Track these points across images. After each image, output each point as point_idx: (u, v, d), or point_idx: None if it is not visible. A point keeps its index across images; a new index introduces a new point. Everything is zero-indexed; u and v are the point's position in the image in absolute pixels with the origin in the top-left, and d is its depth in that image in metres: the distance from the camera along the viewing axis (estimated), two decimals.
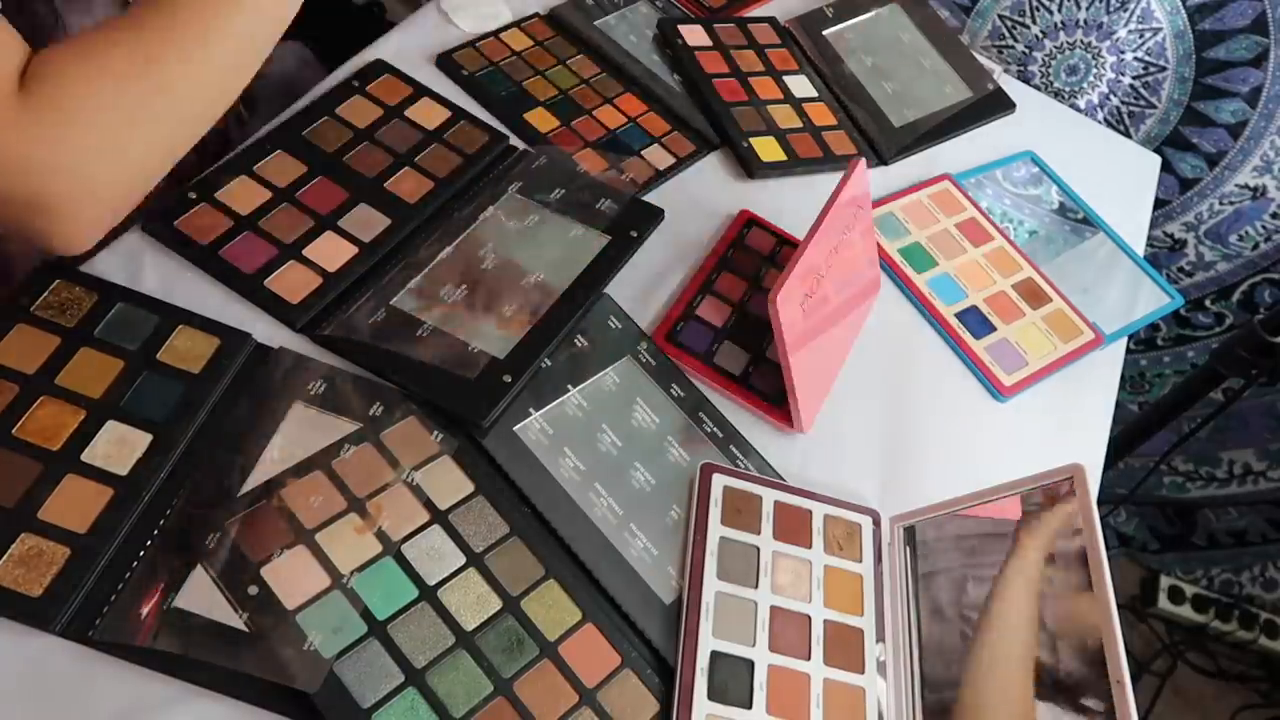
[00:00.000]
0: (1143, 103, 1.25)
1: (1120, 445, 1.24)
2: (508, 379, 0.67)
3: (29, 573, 0.53)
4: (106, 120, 0.56)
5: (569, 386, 0.70)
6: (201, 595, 0.55)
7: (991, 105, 1.07)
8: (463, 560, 0.60)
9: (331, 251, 0.72)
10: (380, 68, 0.86)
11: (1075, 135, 1.12)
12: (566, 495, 0.65)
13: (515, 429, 0.67)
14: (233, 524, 0.58)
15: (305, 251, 0.71)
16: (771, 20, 1.07)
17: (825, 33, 1.07)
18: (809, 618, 0.64)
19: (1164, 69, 1.21)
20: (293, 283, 0.70)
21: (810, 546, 0.67)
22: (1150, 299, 0.96)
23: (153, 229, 0.70)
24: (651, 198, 0.85)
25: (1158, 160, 1.14)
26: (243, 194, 0.73)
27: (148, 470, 0.59)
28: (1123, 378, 0.91)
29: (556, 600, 0.61)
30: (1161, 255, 1.36)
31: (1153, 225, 1.30)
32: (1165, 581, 1.70)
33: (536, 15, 0.98)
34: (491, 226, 0.77)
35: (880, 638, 0.65)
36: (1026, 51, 1.24)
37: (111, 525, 0.56)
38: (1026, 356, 0.85)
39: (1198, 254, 1.35)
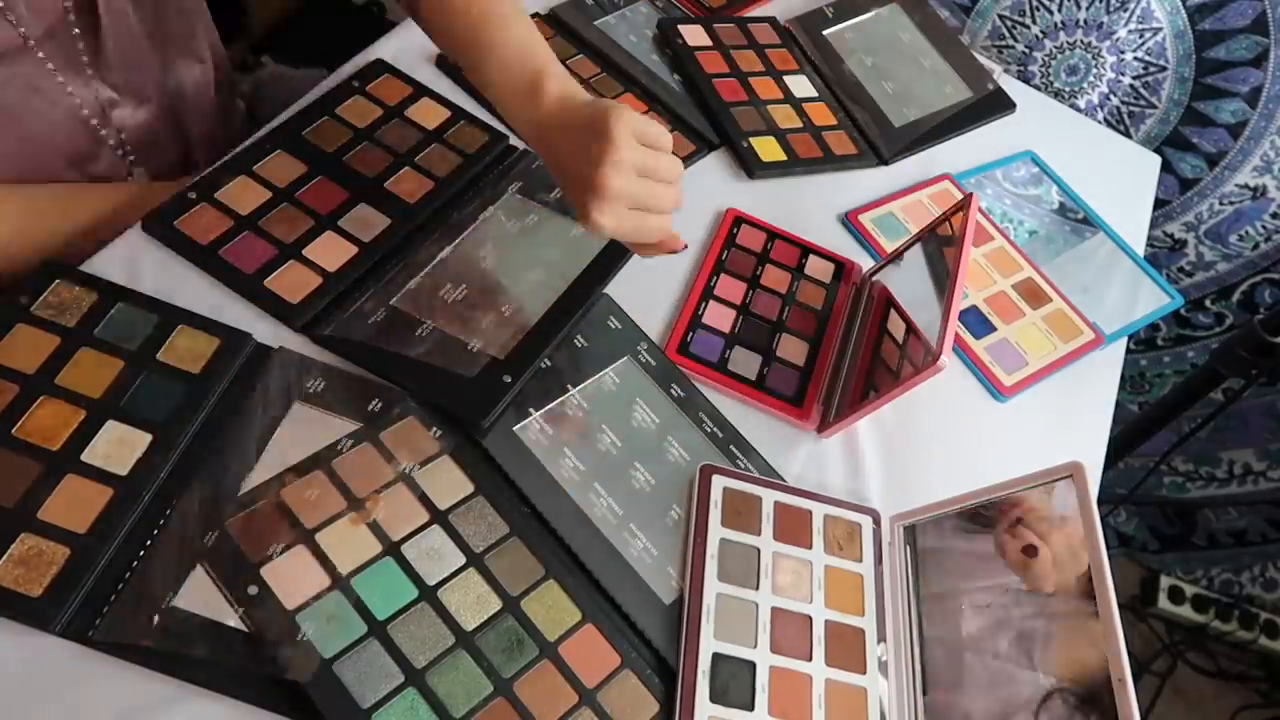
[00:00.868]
0: (1143, 103, 1.25)
1: (1120, 445, 1.24)
2: (507, 379, 0.67)
3: (29, 573, 0.53)
4: None
5: (569, 386, 0.70)
6: (201, 595, 0.55)
7: (991, 105, 1.07)
8: (463, 560, 0.60)
9: (331, 251, 0.72)
10: (380, 68, 0.86)
11: (1075, 135, 1.12)
12: (566, 495, 0.65)
13: (515, 429, 0.67)
14: (233, 524, 0.58)
15: (305, 251, 0.71)
16: (771, 20, 1.07)
17: (825, 33, 1.07)
18: (810, 618, 0.64)
19: (1164, 69, 1.21)
20: (293, 283, 0.70)
21: (810, 547, 0.67)
22: (1150, 299, 0.96)
23: (153, 229, 0.70)
24: None
25: (1158, 160, 1.14)
26: (243, 194, 0.73)
27: (148, 470, 0.59)
28: (1123, 378, 0.91)
29: (556, 600, 0.60)
30: (1161, 255, 1.36)
31: (1153, 225, 1.30)
32: (1165, 581, 1.70)
33: (536, 15, 0.98)
34: (491, 226, 0.77)
35: (881, 637, 0.65)
36: (1026, 51, 1.24)
37: (111, 525, 0.56)
38: (1026, 356, 0.85)
39: (1198, 254, 1.34)
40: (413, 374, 0.67)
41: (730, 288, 0.81)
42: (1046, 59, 1.24)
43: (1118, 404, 0.87)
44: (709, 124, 0.93)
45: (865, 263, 0.87)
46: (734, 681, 0.60)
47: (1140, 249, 1.01)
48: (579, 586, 0.62)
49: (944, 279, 0.70)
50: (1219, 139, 1.24)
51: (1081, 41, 1.21)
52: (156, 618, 0.54)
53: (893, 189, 0.95)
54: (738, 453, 0.72)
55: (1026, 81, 1.22)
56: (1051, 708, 0.54)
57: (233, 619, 0.55)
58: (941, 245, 0.74)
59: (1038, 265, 0.92)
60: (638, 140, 0.60)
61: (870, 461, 0.75)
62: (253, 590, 0.56)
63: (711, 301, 0.80)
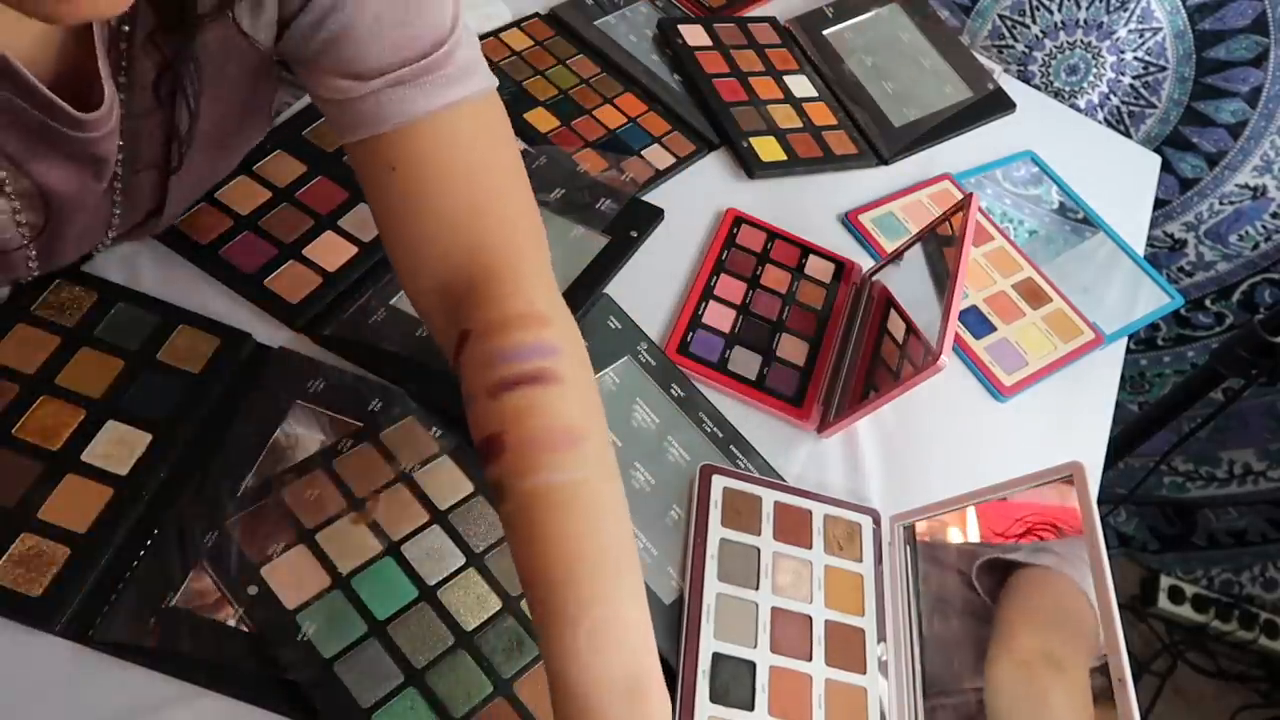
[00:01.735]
0: (1143, 103, 1.25)
1: (1120, 445, 1.23)
2: None
3: (29, 573, 0.53)
4: None
5: None
6: (201, 595, 0.55)
7: (991, 105, 1.07)
8: (463, 560, 0.60)
9: (331, 251, 0.72)
10: None
11: (1075, 135, 1.12)
12: None
13: None
14: (233, 524, 0.58)
15: (305, 251, 0.71)
16: (771, 20, 1.07)
17: (825, 32, 1.07)
18: (810, 618, 0.64)
19: (1164, 69, 1.21)
20: (293, 282, 0.70)
21: (810, 547, 0.67)
22: (1150, 299, 0.95)
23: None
24: (651, 197, 0.85)
25: (1158, 160, 1.14)
26: (242, 193, 0.73)
27: (148, 470, 0.58)
28: (1123, 378, 0.91)
29: None
30: (1161, 255, 1.36)
31: (1153, 225, 1.30)
32: (1165, 581, 1.69)
33: (536, 15, 0.98)
34: None
35: (881, 637, 0.65)
36: (1026, 51, 1.24)
37: (111, 525, 0.56)
38: (1027, 356, 0.85)
39: (1198, 254, 1.34)
40: (413, 374, 0.67)
41: (730, 288, 0.81)
42: (1046, 59, 1.24)
43: (1118, 404, 0.87)
44: (709, 124, 0.93)
45: (865, 263, 0.87)
46: (734, 681, 0.60)
47: (1140, 249, 1.01)
48: None
49: (944, 279, 0.70)
50: (1219, 139, 1.24)
51: (1081, 41, 1.21)
52: (156, 618, 0.54)
53: (893, 189, 0.95)
54: (738, 453, 0.71)
55: (1026, 81, 1.22)
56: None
57: (233, 619, 0.55)
58: (941, 245, 0.74)
59: (1038, 265, 0.92)
60: None
61: (870, 461, 0.75)
62: (253, 590, 0.56)
63: (711, 301, 0.80)
